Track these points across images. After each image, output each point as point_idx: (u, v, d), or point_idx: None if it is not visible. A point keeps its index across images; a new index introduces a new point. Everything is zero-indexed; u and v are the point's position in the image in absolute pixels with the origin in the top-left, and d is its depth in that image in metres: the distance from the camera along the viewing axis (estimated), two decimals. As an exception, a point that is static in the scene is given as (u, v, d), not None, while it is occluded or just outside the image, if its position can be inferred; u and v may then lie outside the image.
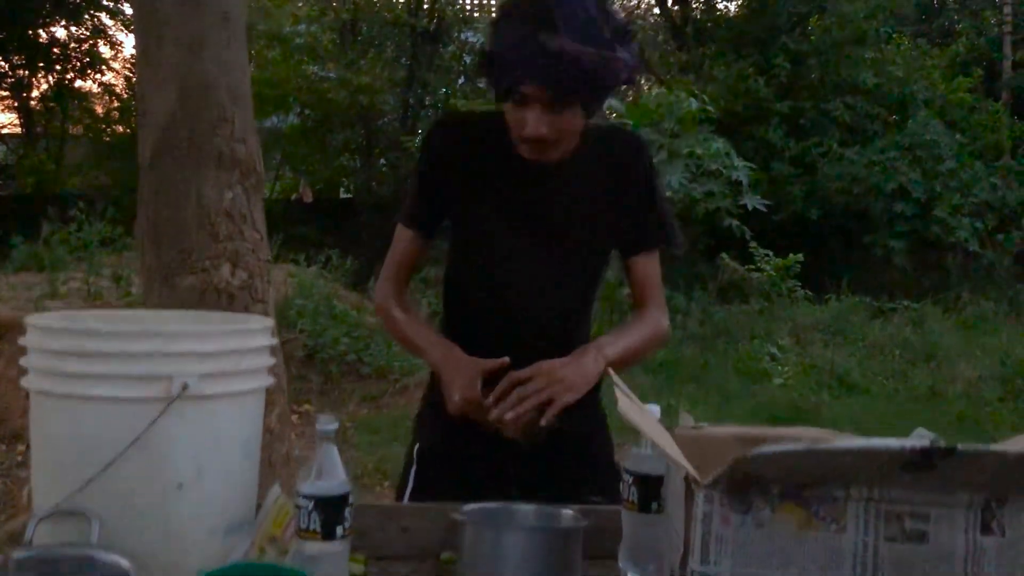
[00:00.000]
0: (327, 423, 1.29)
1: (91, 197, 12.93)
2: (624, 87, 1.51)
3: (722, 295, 10.28)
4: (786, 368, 7.03)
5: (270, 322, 1.37)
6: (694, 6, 14.93)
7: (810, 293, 10.08)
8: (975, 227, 12.12)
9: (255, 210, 2.31)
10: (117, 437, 1.17)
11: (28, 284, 8.27)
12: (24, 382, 1.24)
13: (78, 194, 12.88)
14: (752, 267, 9.91)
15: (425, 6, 13.17)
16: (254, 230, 2.30)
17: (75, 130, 16.29)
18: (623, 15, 1.48)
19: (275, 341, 1.38)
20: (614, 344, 1.61)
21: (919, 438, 1.42)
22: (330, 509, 1.20)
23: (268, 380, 1.34)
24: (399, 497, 1.77)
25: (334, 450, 1.29)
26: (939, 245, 12.26)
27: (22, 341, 1.24)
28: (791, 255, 9.92)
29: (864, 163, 12.48)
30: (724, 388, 6.84)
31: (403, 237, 1.69)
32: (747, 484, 1.06)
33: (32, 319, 1.24)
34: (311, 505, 1.20)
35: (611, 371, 1.34)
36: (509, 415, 1.49)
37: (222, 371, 1.24)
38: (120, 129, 15.44)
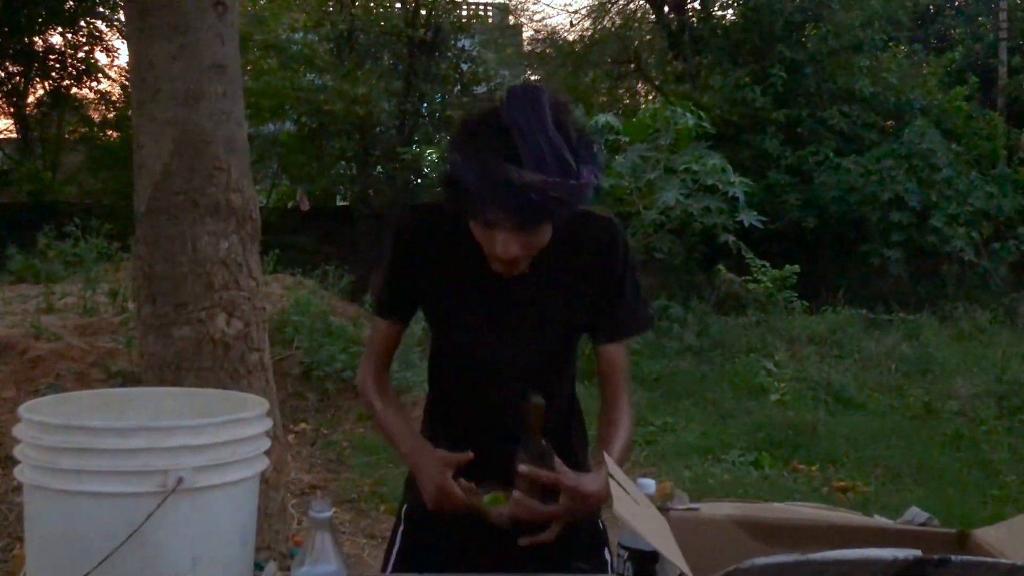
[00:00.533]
0: (321, 510, 1.29)
1: (87, 206, 12.92)
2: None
3: (719, 306, 10.29)
4: (782, 384, 7.04)
5: (266, 404, 1.37)
6: (690, 14, 14.94)
7: (806, 304, 10.09)
8: (971, 236, 12.14)
9: (251, 258, 2.31)
10: (112, 532, 1.17)
11: (24, 297, 8.26)
12: (18, 474, 1.24)
13: (74, 203, 12.88)
14: (749, 278, 9.93)
15: (423, 12, 13.17)
16: (250, 278, 2.30)
17: (71, 137, 16.26)
18: (579, 126, 1.45)
19: (271, 423, 1.38)
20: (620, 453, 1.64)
21: (916, 522, 1.42)
22: None
23: (264, 464, 1.34)
24: (387, 557, 1.78)
25: (328, 537, 1.29)
26: (935, 254, 12.28)
27: (15, 431, 1.24)
28: (787, 266, 9.93)
29: (860, 172, 12.50)
30: (720, 404, 6.84)
31: (379, 326, 1.73)
32: (740, 588, 1.06)
33: (26, 410, 1.25)
34: None
35: (608, 459, 1.34)
36: (526, 541, 1.56)
37: (217, 462, 1.24)
38: (116, 136, 15.43)
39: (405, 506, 1.78)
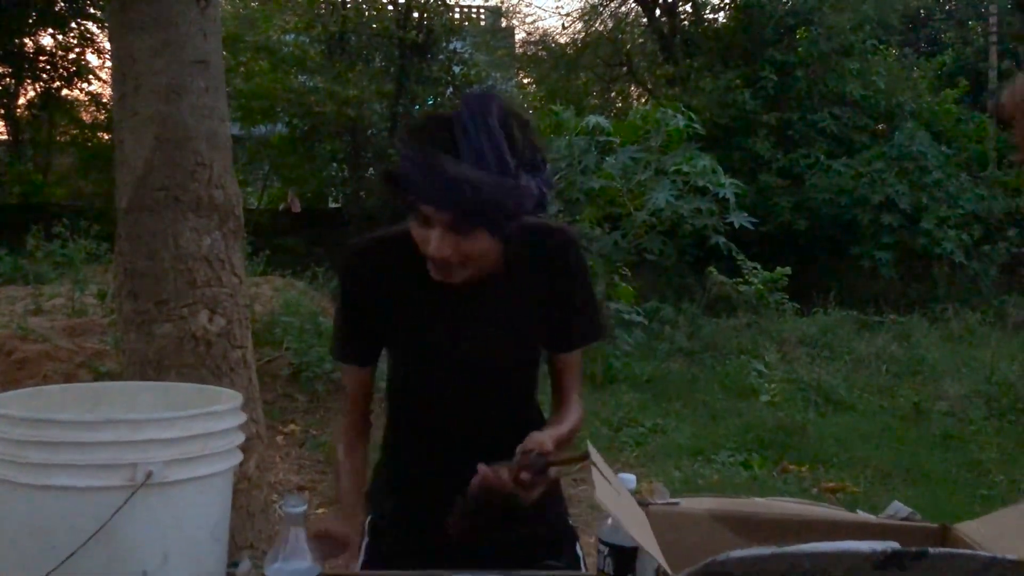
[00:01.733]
0: (294, 505, 1.27)
1: (77, 207, 12.87)
2: (534, 213, 1.47)
3: (710, 307, 10.29)
4: (773, 385, 7.03)
5: (239, 398, 1.35)
6: (682, 17, 14.96)
7: (797, 306, 10.10)
8: (961, 239, 12.18)
9: (233, 255, 2.28)
10: (79, 527, 1.15)
11: (12, 298, 8.21)
12: (-15, 468, 1.21)
13: (65, 205, 12.83)
14: (740, 280, 9.93)
15: (415, 15, 13.15)
16: (232, 275, 2.28)
17: (62, 139, 16.21)
18: (535, 143, 1.44)
19: (244, 418, 1.36)
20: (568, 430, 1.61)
21: (898, 516, 1.41)
22: None
23: (237, 458, 1.33)
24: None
25: (302, 533, 1.27)
26: (925, 256, 12.31)
27: (-16, 425, 1.22)
28: (778, 268, 9.93)
29: (851, 174, 12.53)
30: (711, 405, 6.84)
31: (346, 373, 1.69)
32: (717, 581, 1.05)
33: (-6, 403, 1.22)
34: None
35: (592, 449, 1.33)
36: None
37: (188, 456, 1.22)
38: (107, 138, 15.38)
39: (368, 518, 1.76)
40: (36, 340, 6.28)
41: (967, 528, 1.34)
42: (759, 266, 9.95)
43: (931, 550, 1.00)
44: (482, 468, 1.46)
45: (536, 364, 1.68)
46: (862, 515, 1.46)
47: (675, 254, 10.76)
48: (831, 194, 12.53)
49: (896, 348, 8.57)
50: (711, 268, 10.20)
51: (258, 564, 1.51)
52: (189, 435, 1.22)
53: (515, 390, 1.65)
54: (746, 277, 9.91)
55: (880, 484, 5.09)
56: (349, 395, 1.71)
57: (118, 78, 2.23)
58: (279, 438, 5.86)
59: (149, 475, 1.17)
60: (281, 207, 14.91)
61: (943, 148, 13.13)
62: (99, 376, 5.94)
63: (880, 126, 13.68)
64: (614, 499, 1.25)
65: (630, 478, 1.47)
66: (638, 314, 7.95)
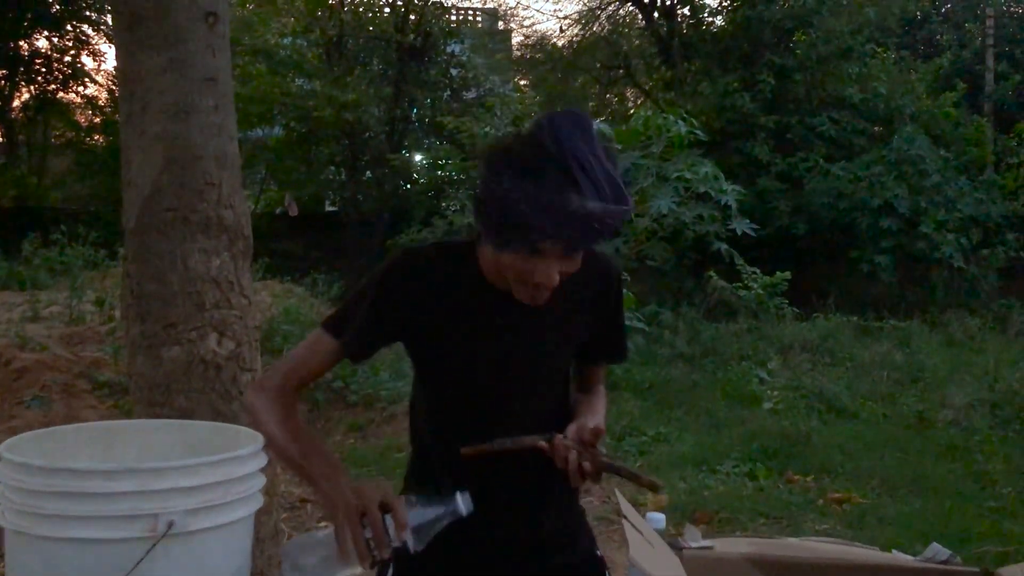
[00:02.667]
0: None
1: (73, 212, 12.81)
2: None
3: (710, 312, 10.26)
4: (775, 392, 7.00)
5: (260, 440, 1.31)
6: (680, 20, 14.93)
7: (797, 310, 10.06)
8: (960, 243, 12.17)
9: (243, 276, 2.24)
10: (99, 579, 1.11)
11: (9, 305, 8.15)
12: None
13: (60, 209, 12.76)
14: (740, 285, 9.90)
15: (412, 18, 13.11)
16: (242, 296, 2.23)
17: (57, 142, 16.14)
18: (616, 155, 1.47)
19: (265, 461, 1.32)
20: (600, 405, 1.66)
21: (937, 559, 1.37)
22: None
23: (258, 503, 1.29)
24: None
25: None
26: (925, 260, 12.30)
27: (-2, 472, 1.18)
28: (778, 273, 9.90)
29: (850, 178, 12.51)
30: (714, 413, 6.79)
31: (326, 346, 1.56)
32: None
33: (7, 450, 1.18)
34: None
35: (621, 500, 1.29)
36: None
37: (210, 504, 1.18)
38: (102, 141, 15.31)
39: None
40: (34, 349, 6.22)
41: (1010, 572, 1.31)
42: (758, 271, 9.92)
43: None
44: (557, 438, 1.47)
45: (568, 375, 1.70)
46: (899, 556, 1.42)
47: (674, 259, 10.74)
48: (830, 198, 12.51)
49: (897, 354, 8.54)
50: (711, 273, 10.17)
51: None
52: (211, 482, 1.19)
53: (554, 397, 1.65)
54: (745, 282, 9.88)
55: (887, 495, 5.05)
56: (305, 367, 1.56)
57: (125, 96, 2.19)
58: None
59: (171, 525, 1.13)
60: (278, 211, 14.87)
61: (941, 151, 13.12)
62: (98, 385, 5.88)
63: (878, 129, 13.66)
64: (647, 552, 1.21)
65: (659, 517, 1.44)
66: (638, 320, 7.92)
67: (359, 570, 1.37)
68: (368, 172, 13.60)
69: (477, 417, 1.59)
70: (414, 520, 1.36)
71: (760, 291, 9.78)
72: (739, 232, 7.19)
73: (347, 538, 1.32)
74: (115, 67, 2.25)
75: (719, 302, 10.17)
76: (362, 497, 1.36)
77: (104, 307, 7.21)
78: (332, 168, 14.24)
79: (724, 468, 5.48)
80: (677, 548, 1.32)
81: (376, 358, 7.14)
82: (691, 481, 5.26)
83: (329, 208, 15.28)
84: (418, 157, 12.87)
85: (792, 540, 1.41)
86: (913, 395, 7.28)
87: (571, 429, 1.51)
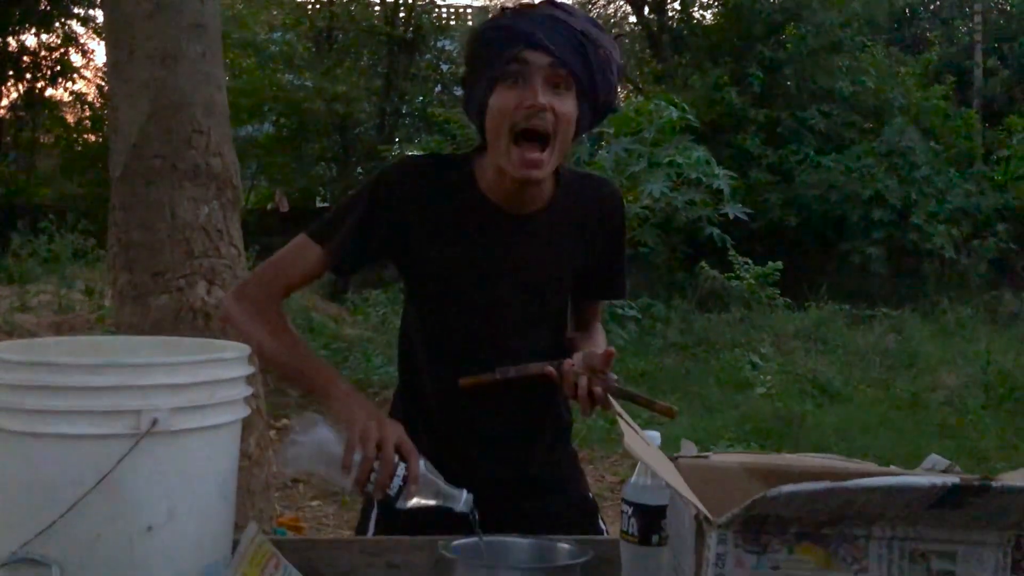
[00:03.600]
0: None
1: (62, 208, 12.73)
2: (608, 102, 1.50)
3: (702, 304, 10.26)
4: (768, 377, 6.99)
5: (247, 349, 1.28)
6: (670, 14, 14.95)
7: (789, 301, 10.08)
8: (951, 234, 12.21)
9: (231, 225, 2.21)
10: (80, 477, 1.08)
11: (-3, 297, 8.10)
12: (-21, 418, 1.14)
13: (50, 206, 12.69)
14: (732, 275, 9.90)
15: (401, 15, 13.09)
16: (231, 246, 2.21)
17: (46, 139, 16.04)
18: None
19: (252, 369, 1.29)
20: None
21: (937, 469, 1.35)
22: None
23: (244, 411, 1.25)
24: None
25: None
26: (916, 252, 12.33)
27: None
28: (770, 263, 9.92)
29: (841, 170, 12.54)
30: (706, 398, 6.79)
31: (309, 255, 1.50)
32: (762, 523, 0.99)
33: (-13, 349, 1.15)
34: None
35: (613, 402, 1.27)
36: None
37: (194, 404, 1.15)
38: (92, 138, 15.23)
39: None
40: (23, 336, 6.18)
41: (1009, 477, 1.28)
42: (750, 261, 9.94)
43: (994, 484, 0.94)
44: (567, 362, 1.44)
45: (566, 309, 1.64)
46: (897, 469, 1.40)
47: (666, 251, 10.73)
48: (821, 190, 12.54)
49: (890, 341, 8.56)
50: (703, 263, 10.17)
51: (264, 530, 1.44)
52: (196, 382, 1.15)
53: (540, 337, 1.58)
54: (737, 272, 9.88)
55: (881, 471, 5.05)
56: (289, 273, 1.51)
57: (111, 43, 2.16)
58: (271, 432, 5.77)
59: (154, 423, 1.10)
60: (269, 207, 14.80)
61: (931, 144, 13.16)
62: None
63: (868, 124, 13.70)
64: (643, 448, 1.19)
65: (654, 435, 1.42)
66: (631, 308, 7.91)
67: (347, 485, 1.34)
68: (359, 167, 13.57)
69: (469, 338, 1.54)
70: (421, 490, 1.34)
71: (752, 281, 9.79)
72: (731, 217, 7.19)
73: (353, 460, 1.31)
74: (102, 16, 2.23)
75: (711, 293, 10.17)
76: (383, 430, 1.34)
77: (94, 296, 7.16)
78: (323, 164, 14.20)
79: (718, 449, 5.48)
80: (672, 458, 1.30)
81: (368, 344, 7.13)
82: (685, 461, 5.25)
83: (320, 204, 15.23)
84: (410, 151, 12.84)
85: (787, 455, 1.39)
86: (906, 379, 7.30)
87: (577, 357, 1.47)
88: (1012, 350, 7.71)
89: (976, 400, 6.39)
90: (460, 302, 1.53)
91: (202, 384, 1.16)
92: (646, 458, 1.09)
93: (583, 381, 1.42)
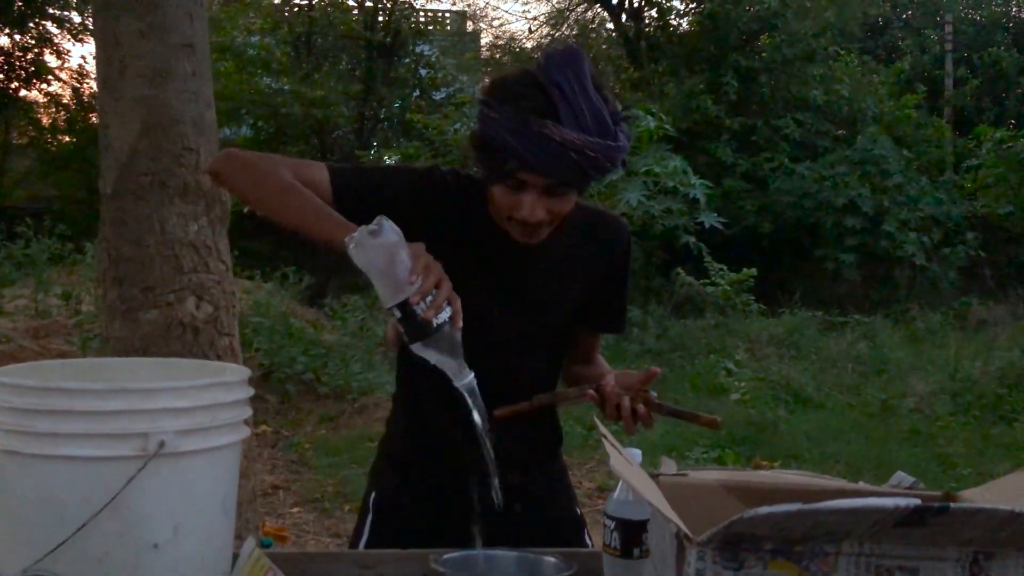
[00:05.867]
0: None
1: (37, 210, 12.63)
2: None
3: (678, 309, 10.36)
4: (742, 383, 7.10)
5: (247, 372, 1.33)
6: (647, 22, 15.08)
7: (763, 307, 10.21)
8: (921, 241, 12.40)
9: (220, 241, 2.26)
10: (89, 497, 1.13)
11: (-29, 301, 8.04)
12: (-11, 440, 1.18)
13: (23, 208, 12.58)
14: (707, 281, 10.01)
15: (380, 19, 13.11)
16: (219, 261, 2.25)
17: (19, 141, 15.89)
18: (614, 98, 1.44)
19: (252, 391, 1.34)
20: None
21: (903, 485, 1.43)
22: None
23: (245, 432, 1.31)
24: (353, 548, 1.73)
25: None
26: (888, 259, 12.52)
27: (-13, 396, 1.19)
28: (744, 269, 10.04)
29: (814, 178, 12.70)
30: (682, 404, 6.85)
31: (318, 175, 1.46)
32: (739, 541, 1.06)
33: (-2, 374, 1.20)
34: None
35: (598, 423, 1.33)
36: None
37: (199, 426, 1.20)
38: (66, 139, 15.11)
39: (373, 495, 1.72)
40: (0, 341, 6.16)
41: (971, 494, 1.36)
42: (725, 268, 10.05)
43: (952, 505, 1.01)
44: (606, 383, 1.47)
45: (564, 338, 1.68)
46: (865, 486, 1.47)
47: (643, 257, 10.83)
48: (795, 197, 12.69)
49: (862, 347, 8.70)
50: (679, 269, 10.27)
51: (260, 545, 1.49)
52: (200, 405, 1.20)
53: (538, 366, 1.64)
54: (712, 278, 10.00)
55: (852, 478, 5.13)
56: (297, 171, 1.45)
57: (102, 61, 2.20)
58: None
59: (162, 444, 1.15)
60: (245, 210, 14.73)
61: (904, 152, 13.37)
62: (65, 377, 5.82)
63: (841, 132, 13.88)
64: (626, 467, 1.25)
65: (636, 452, 1.48)
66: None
67: (400, 298, 1.28)
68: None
69: (467, 355, 1.59)
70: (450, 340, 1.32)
71: (727, 287, 9.91)
72: (707, 225, 7.29)
73: (419, 276, 1.26)
74: (92, 32, 2.26)
75: (687, 299, 10.27)
76: (441, 269, 1.32)
77: (71, 301, 7.14)
78: (300, 167, 14.16)
79: (693, 455, 5.57)
80: (653, 476, 1.37)
81: (347, 350, 7.13)
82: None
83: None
84: (388, 155, 12.86)
85: (762, 471, 1.46)
86: (877, 385, 7.43)
87: (611, 378, 1.52)
88: (980, 357, 7.87)
89: (944, 407, 6.53)
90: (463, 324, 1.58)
91: (206, 407, 1.21)
92: (631, 479, 1.15)
93: (626, 401, 1.47)
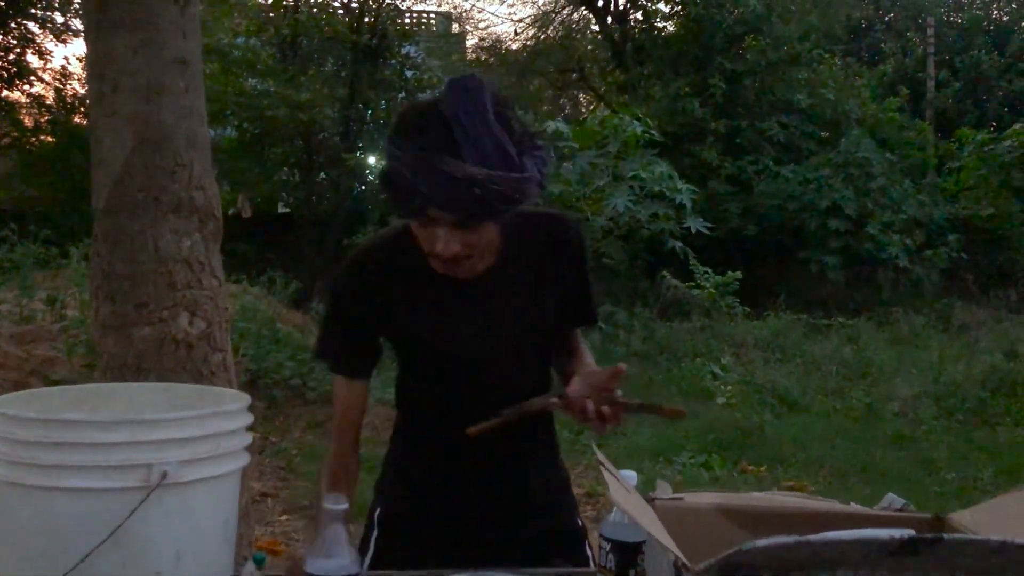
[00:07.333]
0: (336, 502, 1.26)
1: (20, 211, 12.52)
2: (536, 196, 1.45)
3: (664, 312, 10.41)
4: (728, 387, 7.14)
5: (247, 399, 1.34)
6: (633, 25, 15.12)
7: (748, 309, 10.26)
8: (905, 243, 12.50)
9: (213, 257, 2.26)
10: (93, 528, 1.14)
11: (-46, 305, 7.96)
12: (-9, 471, 1.19)
13: (6, 210, 12.48)
14: (693, 284, 10.06)
15: (366, 21, 13.09)
16: (212, 277, 2.25)
17: (2, 142, 15.75)
18: (522, 122, 1.42)
19: (251, 418, 1.35)
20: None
21: (893, 507, 1.46)
22: None
23: (246, 459, 1.32)
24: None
25: (341, 530, 1.27)
26: (871, 261, 12.61)
27: (-11, 427, 1.19)
28: (730, 272, 10.09)
29: (799, 181, 12.78)
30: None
31: (339, 387, 1.66)
32: (736, 570, 1.07)
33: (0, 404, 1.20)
34: None
35: (597, 451, 1.35)
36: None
37: (201, 456, 1.21)
38: (49, 141, 15.00)
39: (378, 511, 1.74)
40: (-17, 347, 6.11)
41: (960, 517, 1.39)
42: (711, 270, 10.10)
43: (946, 536, 1.03)
44: (571, 388, 1.48)
45: (547, 351, 1.68)
46: (857, 507, 1.50)
47: (628, 260, 10.87)
48: (779, 200, 12.77)
49: (846, 350, 8.76)
50: (664, 272, 10.32)
51: (245, 556, 1.50)
52: (201, 435, 1.22)
53: (525, 378, 1.64)
54: (698, 281, 10.04)
55: (837, 483, 5.20)
56: (339, 411, 1.67)
57: (95, 76, 2.19)
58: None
59: (164, 475, 1.16)
60: (231, 212, 14.70)
61: (887, 155, 13.47)
62: (51, 384, 5.79)
63: (825, 134, 13.97)
64: (625, 496, 1.27)
65: (631, 475, 1.50)
66: (595, 317, 8.01)
67: None
68: (323, 173, 13.53)
69: (458, 394, 1.60)
70: None
71: (712, 290, 9.96)
72: (693, 230, 7.33)
73: None
74: (85, 48, 2.25)
75: (672, 301, 10.32)
76: None
77: (56, 306, 7.08)
78: (286, 169, 14.13)
79: (680, 459, 5.59)
80: (649, 500, 1.39)
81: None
82: (649, 472, 5.35)
83: (282, 209, 15.16)
84: (373, 157, 12.85)
85: (757, 494, 1.48)
86: (861, 389, 7.48)
87: (576, 381, 1.53)
88: (962, 360, 7.94)
89: (928, 411, 6.59)
90: (440, 366, 1.60)
91: (208, 437, 1.23)
92: (629, 508, 1.17)
93: (590, 405, 1.47)
